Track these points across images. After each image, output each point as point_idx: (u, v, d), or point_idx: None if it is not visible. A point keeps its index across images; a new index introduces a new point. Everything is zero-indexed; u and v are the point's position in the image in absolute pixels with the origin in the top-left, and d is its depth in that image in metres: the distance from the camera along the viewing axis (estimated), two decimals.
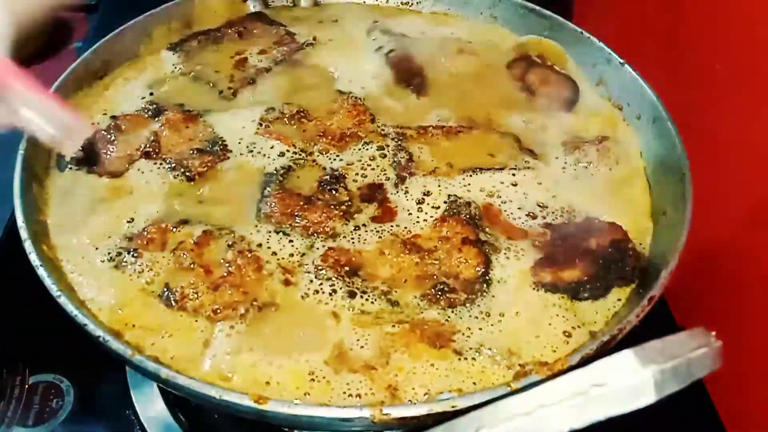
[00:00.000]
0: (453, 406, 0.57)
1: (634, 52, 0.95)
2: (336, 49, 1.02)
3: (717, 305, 1.01)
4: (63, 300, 0.65)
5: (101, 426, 0.91)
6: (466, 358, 0.67)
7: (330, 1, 1.13)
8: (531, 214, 0.80)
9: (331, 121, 0.90)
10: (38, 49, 1.43)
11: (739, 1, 0.93)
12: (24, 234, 0.70)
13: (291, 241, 0.76)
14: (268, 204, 0.78)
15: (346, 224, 0.78)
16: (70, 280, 0.72)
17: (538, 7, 1.05)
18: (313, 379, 0.65)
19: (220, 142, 0.86)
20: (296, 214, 0.77)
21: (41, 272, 0.67)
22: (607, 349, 0.63)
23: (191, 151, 0.84)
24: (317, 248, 0.75)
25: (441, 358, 0.66)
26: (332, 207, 0.78)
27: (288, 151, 0.86)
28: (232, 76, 0.96)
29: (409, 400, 0.64)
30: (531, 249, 0.76)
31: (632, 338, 0.63)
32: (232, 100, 0.93)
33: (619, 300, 0.73)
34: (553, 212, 0.80)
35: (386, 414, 0.57)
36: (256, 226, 0.77)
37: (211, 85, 0.95)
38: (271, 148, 0.86)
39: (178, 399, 0.90)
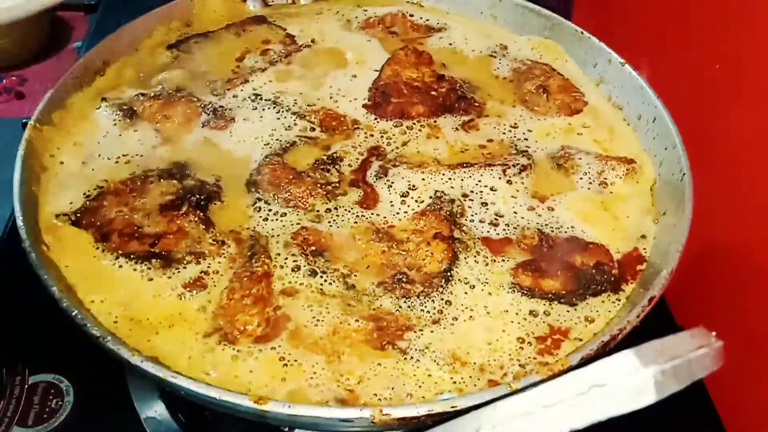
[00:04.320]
0: (453, 407, 0.57)
1: (635, 52, 0.95)
2: (335, 51, 1.03)
3: (717, 305, 1.01)
4: (62, 300, 0.65)
5: (101, 426, 0.91)
6: (412, 357, 0.67)
7: None
8: (512, 218, 0.79)
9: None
10: (38, 49, 1.44)
11: (740, 1, 0.93)
12: (23, 234, 0.70)
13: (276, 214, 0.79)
14: (260, 172, 0.82)
15: (327, 203, 0.80)
16: (69, 280, 0.72)
17: (538, 7, 1.05)
18: (285, 365, 0.65)
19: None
20: (282, 185, 0.80)
21: (41, 272, 0.67)
22: (607, 350, 0.63)
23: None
24: (294, 224, 0.77)
25: (386, 357, 0.66)
26: (319, 185, 0.81)
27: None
28: (228, 78, 0.97)
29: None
30: (515, 251, 0.76)
31: (632, 338, 0.62)
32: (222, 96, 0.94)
33: (619, 300, 0.73)
34: (537, 220, 0.80)
35: (386, 414, 0.57)
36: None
37: (207, 83, 0.96)
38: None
39: (177, 399, 0.90)
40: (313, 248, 0.75)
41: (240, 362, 0.66)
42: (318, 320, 0.69)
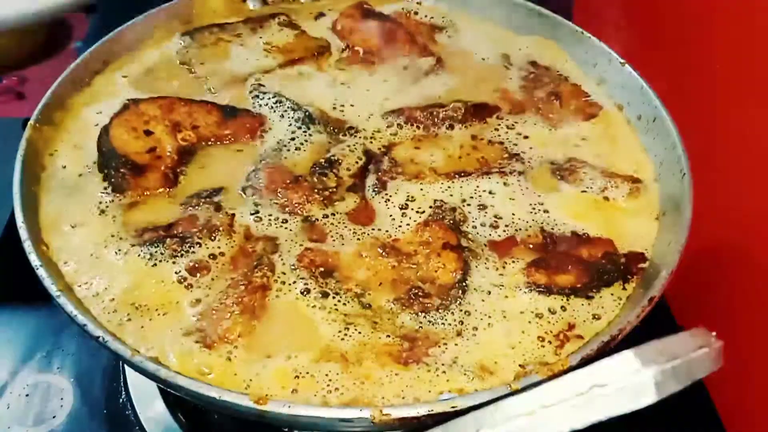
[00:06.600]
0: (453, 407, 0.57)
1: (634, 52, 0.95)
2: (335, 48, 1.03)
3: (717, 305, 1.01)
4: (62, 300, 0.65)
5: (100, 426, 0.91)
6: (442, 372, 0.65)
7: None
8: (511, 223, 0.79)
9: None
10: (38, 49, 1.44)
11: (740, 1, 0.93)
12: (23, 234, 0.70)
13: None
14: (257, 176, 0.81)
15: (324, 209, 0.79)
16: (69, 280, 0.71)
17: (538, 7, 1.05)
18: (297, 376, 0.64)
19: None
20: (279, 190, 0.80)
21: (41, 272, 0.67)
22: (607, 350, 0.63)
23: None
24: (298, 244, 0.75)
25: (408, 370, 0.65)
26: (316, 191, 0.80)
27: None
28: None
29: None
30: (522, 252, 0.76)
31: (633, 339, 0.62)
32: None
33: (620, 299, 0.73)
34: (536, 219, 0.79)
35: (386, 414, 0.57)
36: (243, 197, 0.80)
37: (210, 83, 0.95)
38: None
39: (177, 399, 0.90)
40: (322, 269, 0.73)
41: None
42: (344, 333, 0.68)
